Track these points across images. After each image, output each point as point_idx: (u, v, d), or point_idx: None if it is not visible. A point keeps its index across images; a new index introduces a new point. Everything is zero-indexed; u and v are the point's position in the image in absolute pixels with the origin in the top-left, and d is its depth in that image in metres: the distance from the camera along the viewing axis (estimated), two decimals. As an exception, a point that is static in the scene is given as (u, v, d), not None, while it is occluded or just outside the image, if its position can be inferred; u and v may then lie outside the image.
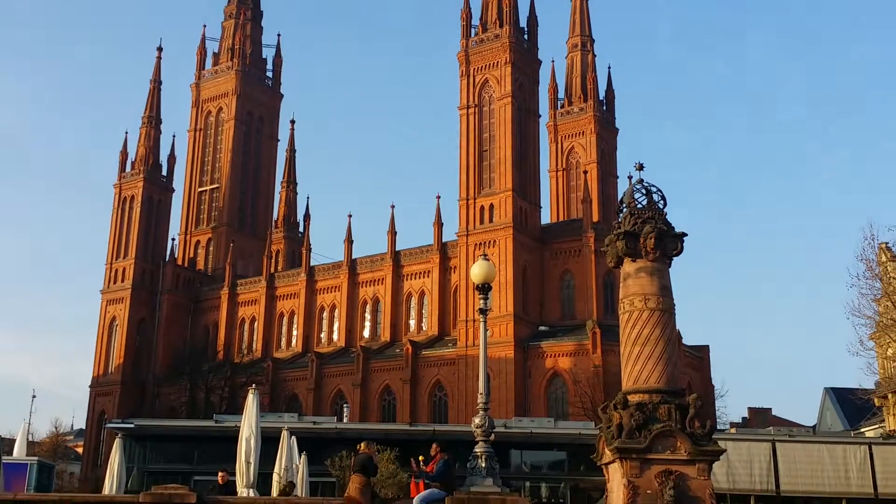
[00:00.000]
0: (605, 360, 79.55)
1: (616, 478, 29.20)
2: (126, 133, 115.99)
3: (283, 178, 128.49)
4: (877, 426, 62.38)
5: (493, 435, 14.80)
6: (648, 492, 27.45)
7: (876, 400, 58.83)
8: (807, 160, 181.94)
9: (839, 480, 42.64)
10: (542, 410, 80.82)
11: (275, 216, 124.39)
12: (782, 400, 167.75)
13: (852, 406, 62.77)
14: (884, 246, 49.97)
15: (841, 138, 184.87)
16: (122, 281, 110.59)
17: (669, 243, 32.15)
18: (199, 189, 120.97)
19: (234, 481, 24.68)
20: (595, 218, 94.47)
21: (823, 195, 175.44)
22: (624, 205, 34.73)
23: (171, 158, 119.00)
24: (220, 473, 25.34)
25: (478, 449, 13.76)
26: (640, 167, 33.72)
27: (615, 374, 36.00)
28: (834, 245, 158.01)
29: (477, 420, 13.95)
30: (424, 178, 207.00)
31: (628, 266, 32.06)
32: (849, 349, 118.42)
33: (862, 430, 63.25)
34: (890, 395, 57.85)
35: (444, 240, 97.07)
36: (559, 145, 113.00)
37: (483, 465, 13.49)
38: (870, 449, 43.65)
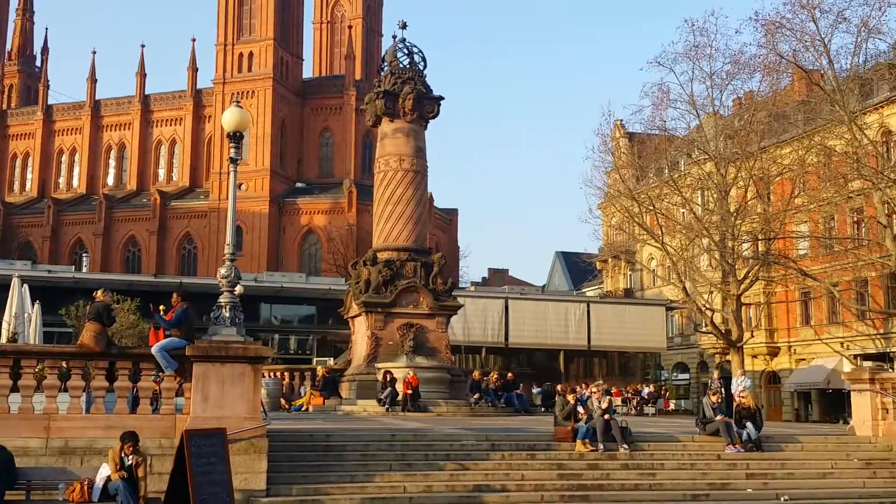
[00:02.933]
0: (360, 219, 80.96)
1: (361, 330, 30.56)
2: None
3: (19, 4, 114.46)
4: (597, 287, 69.18)
5: (239, 286, 14.77)
6: (390, 343, 29.12)
7: (598, 263, 65.02)
8: (564, 40, 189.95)
9: (560, 334, 47.27)
10: (295, 266, 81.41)
11: (8, 47, 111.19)
12: (520, 262, 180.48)
13: (578, 268, 68.85)
14: (619, 123, 54.01)
15: (595, 14, 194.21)
16: None
17: (427, 105, 32.89)
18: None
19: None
20: (358, 76, 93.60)
21: (572, 72, 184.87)
22: (385, 63, 34.82)
23: None
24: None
25: (222, 299, 13.72)
26: (404, 26, 33.75)
27: (369, 232, 36.85)
28: (578, 119, 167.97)
29: (223, 271, 13.83)
30: (180, 17, 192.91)
31: (386, 126, 32.54)
32: (579, 217, 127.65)
33: (584, 290, 69.84)
34: (610, 260, 64.14)
35: (199, 86, 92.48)
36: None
37: (227, 314, 13.50)
38: (588, 307, 48.59)
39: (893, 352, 42.47)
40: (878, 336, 43.53)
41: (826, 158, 37.59)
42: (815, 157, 38.40)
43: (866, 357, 42.94)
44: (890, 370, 34.04)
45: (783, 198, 42.31)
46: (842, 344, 45.42)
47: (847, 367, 41.09)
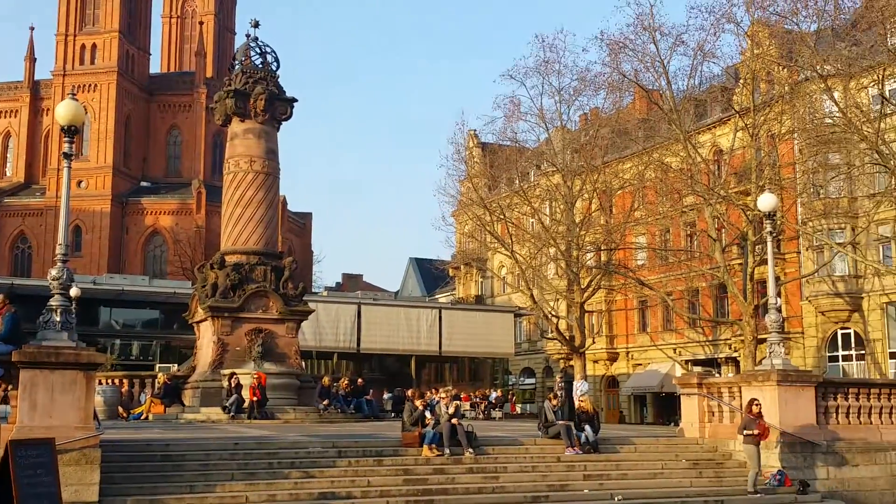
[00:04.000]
0: (208, 221, 78.72)
1: (207, 335, 29.69)
2: None
3: None
4: (449, 293, 70.17)
5: (75, 289, 14.06)
6: (237, 349, 28.44)
7: (451, 270, 66.01)
8: (421, 48, 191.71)
9: (412, 339, 47.63)
10: (139, 268, 78.19)
11: None
12: (375, 268, 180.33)
13: (431, 275, 69.57)
14: (472, 133, 55.10)
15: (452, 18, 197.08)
16: None
17: (280, 106, 32.38)
18: None
19: None
20: (209, 73, 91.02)
21: (427, 80, 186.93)
22: (237, 62, 34.02)
23: None
24: None
25: (53, 302, 13.00)
26: (256, 24, 33.08)
27: (218, 234, 35.91)
28: (432, 127, 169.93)
29: (54, 272, 13.09)
30: (19, 3, 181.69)
31: (236, 126, 31.80)
32: (433, 224, 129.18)
33: (437, 296, 70.66)
34: (463, 267, 65.23)
35: (36, 77, 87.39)
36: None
37: (58, 318, 12.80)
38: (440, 313, 49.22)
39: (720, 358, 45.30)
40: (708, 343, 46.34)
41: (663, 174, 39.72)
42: (653, 172, 40.48)
43: (696, 362, 45.61)
44: (717, 375, 36.32)
45: (624, 210, 44.40)
46: (675, 350, 48.00)
47: (679, 372, 43.48)
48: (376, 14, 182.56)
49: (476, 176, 47.69)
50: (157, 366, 44.43)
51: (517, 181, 46.02)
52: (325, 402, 28.02)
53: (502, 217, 45.38)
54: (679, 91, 38.00)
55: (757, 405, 16.77)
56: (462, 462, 16.26)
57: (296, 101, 31.96)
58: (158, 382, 29.24)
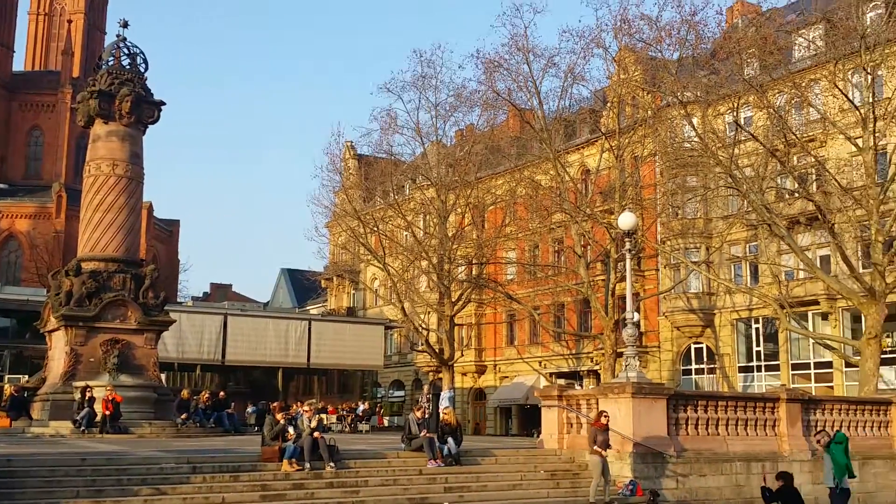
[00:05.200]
0: (69, 226, 74.90)
1: (59, 345, 28.26)
2: None
3: None
4: (321, 304, 69.46)
5: None
6: (92, 359, 27.18)
7: (323, 282, 65.39)
8: (298, 55, 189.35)
9: (280, 351, 46.79)
10: (-10, 274, 73.68)
11: None
12: (245, 278, 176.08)
13: (303, 286, 68.72)
14: (349, 144, 54.85)
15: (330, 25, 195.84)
16: None
17: (147, 109, 31.28)
18: None
19: None
20: (77, 73, 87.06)
21: (304, 89, 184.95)
22: (104, 62, 32.69)
23: None
24: None
25: None
26: (125, 24, 31.91)
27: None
28: (306, 137, 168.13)
29: None
30: None
31: (100, 128, 30.51)
32: (306, 234, 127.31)
33: (308, 307, 69.82)
34: (335, 278, 64.74)
35: None
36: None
37: None
38: (309, 325, 48.58)
39: (583, 370, 46.63)
40: (571, 356, 47.65)
41: (534, 191, 40.71)
42: (524, 189, 41.42)
43: (560, 375, 46.76)
44: (578, 387, 37.34)
45: (495, 225, 45.23)
46: (540, 363, 49.10)
47: (544, 384, 44.49)
48: (256, 21, 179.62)
49: (351, 187, 47.49)
50: (6, 377, 41.97)
51: (392, 194, 46.12)
52: (184, 416, 27.16)
53: (376, 229, 45.35)
54: (550, 111, 39.09)
55: (605, 417, 17.26)
56: (322, 477, 16.07)
57: (164, 104, 31.04)
58: (5, 394, 27.64)
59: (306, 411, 18.67)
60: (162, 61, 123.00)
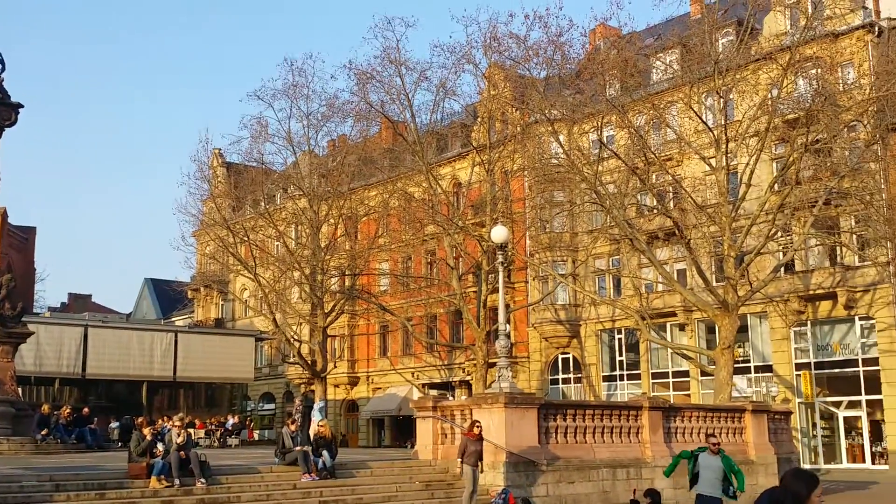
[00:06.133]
0: None
1: None
2: None
3: None
4: (187, 316, 67.50)
5: None
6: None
7: (189, 292, 63.62)
8: (163, 58, 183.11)
9: (144, 364, 45.15)
10: None
11: None
12: (105, 288, 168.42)
13: (168, 297, 66.58)
14: (217, 151, 53.73)
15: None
16: None
17: (3, 112, 29.71)
18: None
19: None
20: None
21: (169, 94, 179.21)
22: (-44, 61, 30.83)
23: None
24: None
25: None
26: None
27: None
28: (173, 143, 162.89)
29: None
30: None
31: (-52, 130, 28.76)
32: (172, 244, 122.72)
33: (174, 319, 67.70)
34: (202, 289, 63.11)
35: None
36: None
37: None
38: (175, 336, 47.13)
39: (455, 381, 47.30)
40: (444, 367, 48.25)
41: (406, 203, 41.12)
42: (397, 201, 41.78)
43: (433, 386, 47.28)
44: (451, 398, 37.90)
45: (369, 237, 45.37)
46: (413, 374, 49.46)
47: (416, 395, 44.84)
48: (126, 21, 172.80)
49: (220, 196, 46.52)
50: None
51: (263, 203, 45.45)
52: (45, 432, 25.89)
53: (246, 239, 44.57)
54: (423, 124, 39.61)
55: (478, 427, 17.57)
56: (193, 493, 15.73)
57: (21, 106, 29.52)
58: None
59: (175, 426, 18.24)
60: (20, 61, 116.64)
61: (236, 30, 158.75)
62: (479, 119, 41.65)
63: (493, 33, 34.91)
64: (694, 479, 13.84)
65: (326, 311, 42.44)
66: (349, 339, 53.45)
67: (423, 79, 37.52)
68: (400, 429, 48.98)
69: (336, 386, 52.86)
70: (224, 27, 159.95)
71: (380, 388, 52.59)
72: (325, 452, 18.09)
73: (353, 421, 54.72)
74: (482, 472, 17.56)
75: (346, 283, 45.48)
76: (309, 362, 42.89)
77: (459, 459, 16.99)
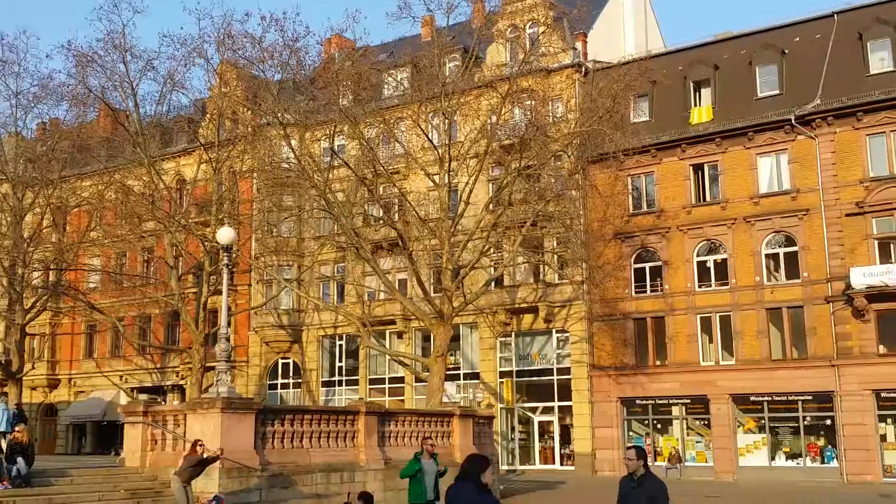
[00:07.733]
0: None
1: None
2: None
3: None
4: None
5: None
6: None
7: None
8: None
9: None
10: None
11: None
12: None
13: None
14: None
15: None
16: None
17: None
18: None
19: None
20: None
21: None
22: None
23: None
24: None
25: None
26: None
27: None
28: None
29: None
30: None
31: None
32: None
33: None
34: None
35: None
36: None
37: None
38: None
39: (167, 385, 45.48)
40: (156, 370, 46.19)
41: (124, 197, 38.88)
42: (114, 193, 39.42)
43: (143, 390, 45.14)
44: (163, 403, 36.44)
45: (79, 229, 42.32)
46: (121, 377, 46.89)
47: (124, 399, 42.54)
48: None
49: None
50: None
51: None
52: None
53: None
54: (147, 115, 37.81)
55: (201, 446, 16.85)
56: None
57: None
58: None
59: None
60: None
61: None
62: (208, 115, 40.45)
63: (228, 30, 34.02)
64: (417, 483, 14.22)
65: (26, 307, 39.09)
66: (51, 338, 49.52)
67: (149, 68, 35.76)
68: (104, 435, 46.18)
69: (33, 388, 48.72)
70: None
71: (83, 392, 49.22)
72: (20, 460, 16.78)
73: (51, 426, 50.67)
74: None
75: (51, 278, 42.13)
76: (3, 362, 39.24)
77: (174, 474, 16.36)
